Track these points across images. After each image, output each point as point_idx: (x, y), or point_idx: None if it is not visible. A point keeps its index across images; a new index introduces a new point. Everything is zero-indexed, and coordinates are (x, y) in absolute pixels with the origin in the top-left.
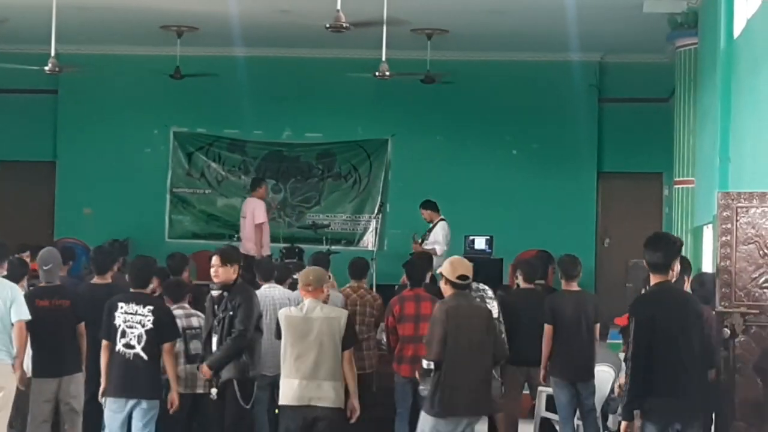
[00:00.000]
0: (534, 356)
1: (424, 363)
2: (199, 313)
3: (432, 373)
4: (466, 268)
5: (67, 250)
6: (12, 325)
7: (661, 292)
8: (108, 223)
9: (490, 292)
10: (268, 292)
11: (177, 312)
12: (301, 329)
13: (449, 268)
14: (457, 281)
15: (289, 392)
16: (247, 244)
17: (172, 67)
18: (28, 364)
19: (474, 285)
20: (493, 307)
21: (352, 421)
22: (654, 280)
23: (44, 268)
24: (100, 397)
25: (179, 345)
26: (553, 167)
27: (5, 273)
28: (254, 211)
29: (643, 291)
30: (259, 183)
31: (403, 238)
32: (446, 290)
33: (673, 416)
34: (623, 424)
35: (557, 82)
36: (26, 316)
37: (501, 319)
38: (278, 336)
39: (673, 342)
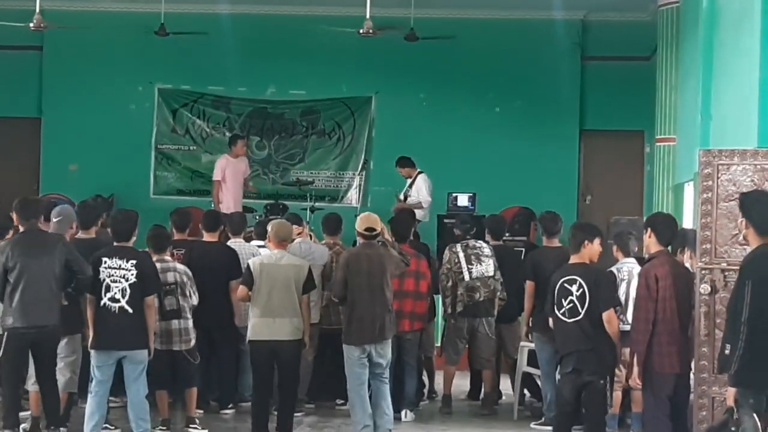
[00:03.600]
0: (506, 313)
1: (333, 299)
2: (178, 266)
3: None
4: (373, 221)
5: (53, 205)
6: None
7: None
8: (93, 179)
9: (486, 250)
10: (232, 246)
11: (156, 265)
12: (275, 275)
13: (359, 222)
14: (365, 233)
15: (261, 329)
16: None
17: (157, 24)
18: None
19: (471, 242)
20: (489, 264)
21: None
22: (759, 240)
23: (54, 220)
24: (89, 348)
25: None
26: (535, 125)
27: None
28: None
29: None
30: (234, 141)
31: (386, 194)
32: (359, 240)
33: None
34: (733, 390)
35: (540, 40)
36: None
37: (497, 276)
38: (245, 281)
39: None
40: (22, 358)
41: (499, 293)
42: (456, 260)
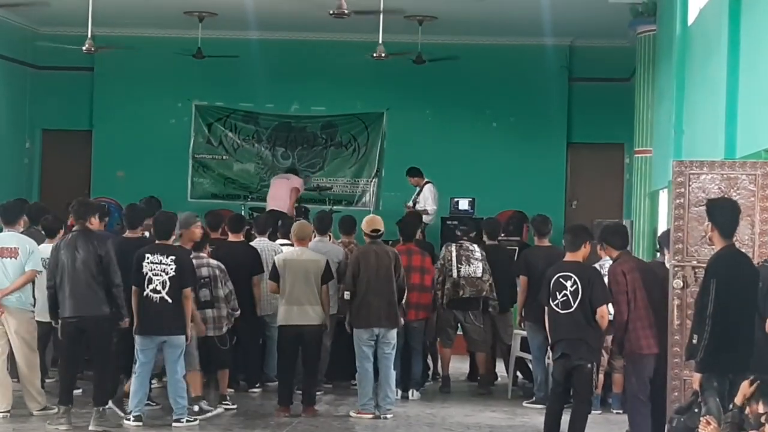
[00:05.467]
0: (500, 304)
1: (346, 295)
2: (211, 262)
3: (350, 299)
4: (378, 223)
5: (102, 207)
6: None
7: (733, 255)
8: (138, 184)
9: (477, 254)
10: (258, 244)
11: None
12: (296, 268)
13: (366, 224)
14: (372, 234)
15: (287, 315)
16: (279, 203)
17: (194, 48)
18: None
19: (465, 244)
20: (478, 266)
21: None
22: (723, 242)
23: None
24: (133, 333)
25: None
26: (528, 138)
27: (22, 229)
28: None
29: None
30: None
31: (396, 199)
32: (366, 239)
33: (731, 368)
34: (699, 376)
35: (532, 63)
36: (39, 267)
37: (485, 278)
38: (272, 277)
39: (743, 301)
40: (74, 344)
41: (485, 292)
42: (449, 258)
